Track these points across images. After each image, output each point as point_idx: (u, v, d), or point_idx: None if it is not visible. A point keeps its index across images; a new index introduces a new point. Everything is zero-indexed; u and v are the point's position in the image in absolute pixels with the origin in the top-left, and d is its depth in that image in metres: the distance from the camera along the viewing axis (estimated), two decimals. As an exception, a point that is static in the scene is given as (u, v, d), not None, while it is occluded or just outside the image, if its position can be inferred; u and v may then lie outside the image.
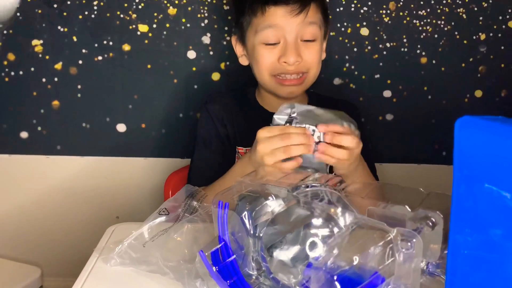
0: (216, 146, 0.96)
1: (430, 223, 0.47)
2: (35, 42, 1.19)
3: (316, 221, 0.51)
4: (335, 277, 0.41)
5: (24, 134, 1.24)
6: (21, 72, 1.20)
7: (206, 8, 1.18)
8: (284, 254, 0.51)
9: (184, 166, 1.16)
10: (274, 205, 0.54)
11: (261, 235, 0.53)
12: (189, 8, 1.18)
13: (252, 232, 0.53)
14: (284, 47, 0.89)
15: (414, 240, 0.42)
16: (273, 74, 0.91)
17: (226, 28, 1.19)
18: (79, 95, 1.22)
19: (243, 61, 0.98)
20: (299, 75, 0.91)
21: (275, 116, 0.74)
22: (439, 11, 1.20)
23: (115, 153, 1.25)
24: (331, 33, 1.20)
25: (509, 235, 0.38)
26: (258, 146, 0.70)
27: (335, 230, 0.50)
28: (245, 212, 0.54)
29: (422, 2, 1.19)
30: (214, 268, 0.53)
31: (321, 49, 0.94)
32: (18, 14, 1.17)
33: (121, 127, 1.24)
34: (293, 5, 0.87)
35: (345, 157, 0.69)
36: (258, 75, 0.94)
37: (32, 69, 1.20)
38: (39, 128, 1.23)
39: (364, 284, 0.42)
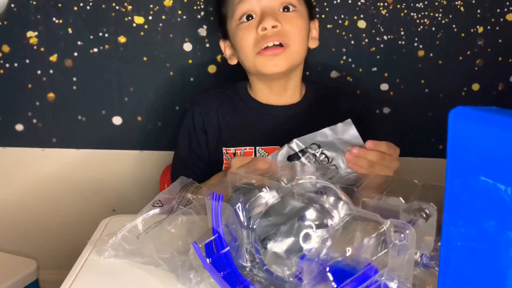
0: (194, 146, 0.96)
1: (424, 215, 0.47)
2: (30, 34, 1.18)
3: (310, 213, 0.51)
4: (328, 269, 0.41)
5: (19, 127, 1.23)
6: (16, 64, 1.19)
7: (202, 0, 1.17)
8: (278, 246, 0.51)
9: (180, 159, 1.16)
10: (268, 197, 0.54)
11: (254, 227, 0.53)
12: (185, 0, 1.17)
13: (245, 224, 0.53)
14: (260, 17, 0.87)
15: (408, 231, 0.42)
16: (256, 51, 0.88)
17: (222, 20, 1.18)
18: (74, 87, 1.21)
19: (232, 60, 0.98)
20: (279, 44, 0.87)
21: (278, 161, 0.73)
22: (436, 3, 1.19)
23: (111, 145, 1.24)
24: (328, 26, 1.19)
25: (503, 226, 0.38)
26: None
27: (329, 222, 0.50)
28: (239, 204, 0.53)
29: (419, -5, 1.18)
30: (207, 259, 0.53)
31: (304, 25, 0.91)
32: (12, 5, 1.16)
33: (116, 120, 1.23)
34: None
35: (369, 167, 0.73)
36: (244, 61, 0.92)
37: (27, 61, 1.19)
38: (34, 121, 1.23)
39: (357, 275, 0.42)
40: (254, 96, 0.98)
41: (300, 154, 0.74)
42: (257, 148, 0.92)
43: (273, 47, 0.87)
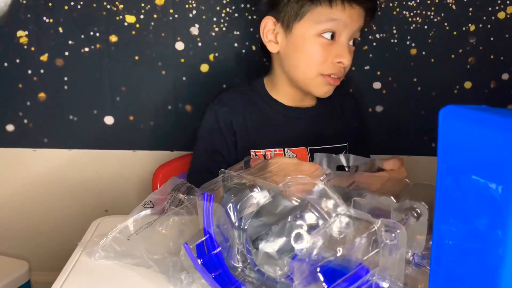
0: (219, 157, 0.92)
1: (415, 214, 0.46)
2: (20, 33, 1.17)
3: (302, 213, 0.51)
4: (318, 269, 0.40)
5: (10, 127, 1.22)
6: (5, 64, 1.18)
7: (194, -2, 1.17)
8: (270, 246, 0.51)
9: (172, 158, 1.16)
10: (259, 197, 0.53)
11: (246, 227, 0.52)
12: (177, -1, 1.16)
13: (237, 224, 0.53)
14: (340, 47, 0.86)
15: (398, 231, 0.42)
16: (320, 72, 0.87)
17: (214, 19, 1.18)
18: (65, 87, 1.20)
19: (273, 48, 0.91)
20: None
21: None
22: (428, 2, 1.19)
23: (103, 146, 1.23)
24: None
25: (493, 224, 0.38)
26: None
27: (321, 221, 0.50)
28: (230, 204, 0.53)
29: (411, -7, 1.18)
30: (199, 260, 0.52)
31: None
32: (2, 4, 1.15)
33: (108, 120, 1.22)
34: (366, 8, 0.86)
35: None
36: (300, 69, 0.89)
37: (17, 60, 1.18)
38: (25, 121, 1.22)
39: (348, 275, 0.42)
40: (275, 97, 0.95)
41: (346, 169, 0.75)
42: (286, 149, 0.92)
43: (336, 78, 0.89)
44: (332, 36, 0.86)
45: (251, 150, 0.92)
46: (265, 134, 0.93)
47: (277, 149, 0.92)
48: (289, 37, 0.88)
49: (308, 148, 0.94)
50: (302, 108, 0.96)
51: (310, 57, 0.87)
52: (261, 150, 0.92)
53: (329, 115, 0.98)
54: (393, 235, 0.42)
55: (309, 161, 0.92)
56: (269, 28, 0.90)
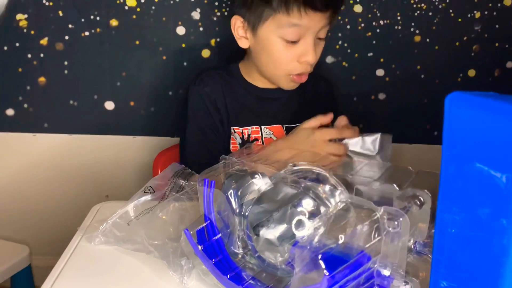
0: (210, 127, 0.94)
1: (418, 202, 0.46)
2: (19, 16, 1.15)
3: (303, 200, 0.50)
4: (320, 256, 0.40)
5: (10, 111, 1.21)
6: (5, 48, 1.17)
7: (195, -18, 1.15)
8: (271, 232, 0.51)
9: (173, 144, 1.15)
10: (260, 183, 0.53)
11: (247, 213, 0.52)
12: (178, -18, 1.15)
13: (238, 210, 0.53)
14: (304, 47, 0.88)
15: (401, 219, 0.42)
16: (288, 73, 0.91)
17: (216, 4, 1.16)
18: (66, 71, 1.19)
19: (243, 43, 0.95)
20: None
21: None
22: (434, -12, 1.17)
23: (103, 131, 1.23)
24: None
25: (497, 213, 0.38)
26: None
27: (322, 208, 0.49)
28: (231, 191, 0.53)
29: (417, -21, 1.16)
30: (199, 246, 0.52)
31: None
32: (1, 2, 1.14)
33: (109, 105, 1.22)
34: (327, 12, 0.87)
35: None
36: (268, 67, 0.93)
37: (17, 44, 1.17)
38: (25, 105, 1.21)
39: (350, 262, 0.42)
40: (250, 81, 0.99)
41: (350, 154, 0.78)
42: (262, 127, 0.96)
43: (304, 75, 0.92)
44: (295, 41, 0.88)
45: (231, 128, 0.96)
46: (241, 114, 0.96)
47: (254, 126, 0.96)
48: (256, 37, 0.91)
49: (284, 126, 0.98)
50: (274, 89, 0.99)
51: (275, 59, 0.90)
52: (239, 128, 0.96)
53: (302, 96, 1.01)
54: (396, 223, 0.41)
55: None
56: (239, 26, 0.93)
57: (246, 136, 0.95)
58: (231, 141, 0.96)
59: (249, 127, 0.96)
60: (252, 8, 0.90)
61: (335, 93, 1.11)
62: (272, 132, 0.96)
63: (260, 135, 0.96)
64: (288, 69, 0.90)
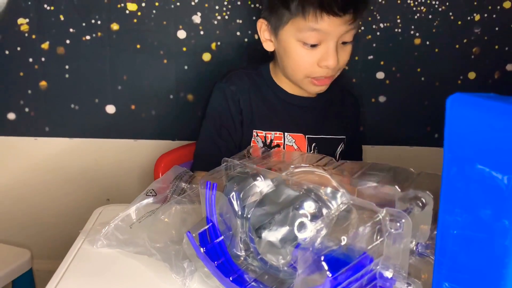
0: (226, 133, 0.93)
1: (420, 204, 0.46)
2: (21, 20, 1.16)
3: (305, 202, 0.50)
4: (322, 258, 0.40)
5: (11, 115, 1.22)
6: (7, 52, 1.17)
7: (196, -14, 1.15)
8: (273, 235, 0.51)
9: (174, 147, 1.15)
10: (262, 186, 0.53)
11: (249, 216, 0.52)
12: (179, -14, 1.15)
13: (240, 213, 0.53)
14: (325, 51, 0.86)
15: (403, 220, 0.42)
16: (307, 75, 0.89)
17: (217, 7, 1.17)
18: (67, 75, 1.19)
19: (269, 46, 0.94)
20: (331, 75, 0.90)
21: None
22: (433, -9, 1.18)
23: (104, 135, 1.23)
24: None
25: (499, 214, 0.38)
26: None
27: (324, 210, 0.49)
28: (233, 193, 0.53)
29: (416, -18, 1.17)
30: (201, 249, 0.52)
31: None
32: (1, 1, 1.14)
33: (110, 109, 1.22)
34: (346, 16, 0.84)
35: None
36: (289, 70, 0.91)
37: (19, 48, 1.17)
38: (27, 109, 1.21)
39: (352, 264, 0.42)
40: (278, 83, 0.97)
41: None
42: (286, 134, 0.95)
43: (325, 79, 0.89)
44: (315, 45, 0.86)
45: (253, 130, 0.94)
46: (267, 117, 0.95)
47: (278, 132, 0.94)
48: (278, 40, 0.90)
49: (307, 136, 0.96)
50: (302, 97, 0.97)
51: (295, 62, 0.89)
52: (263, 131, 0.94)
53: (329, 108, 1.00)
54: (398, 224, 0.42)
55: (306, 148, 0.95)
56: (264, 29, 0.92)
57: (268, 141, 0.93)
58: (251, 144, 0.94)
59: (273, 132, 0.94)
60: (274, 11, 0.88)
61: (361, 112, 1.10)
62: (294, 140, 0.95)
63: (282, 141, 0.94)
64: (307, 73, 0.88)
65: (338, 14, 0.82)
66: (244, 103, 0.93)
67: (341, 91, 1.04)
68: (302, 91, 0.96)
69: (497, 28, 1.20)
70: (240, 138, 0.94)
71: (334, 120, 1.00)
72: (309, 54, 0.86)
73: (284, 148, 0.95)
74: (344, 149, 0.99)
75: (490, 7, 1.19)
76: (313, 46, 0.85)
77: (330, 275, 0.40)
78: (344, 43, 0.87)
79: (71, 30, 1.16)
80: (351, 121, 1.04)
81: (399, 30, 1.20)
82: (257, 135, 0.93)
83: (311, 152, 0.96)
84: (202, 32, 1.18)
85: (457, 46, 1.21)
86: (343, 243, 0.42)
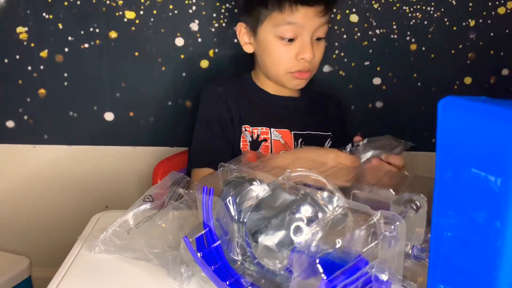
0: (219, 129, 0.97)
1: (415, 206, 0.46)
2: (19, 29, 1.17)
3: (302, 206, 0.51)
4: (317, 260, 0.40)
5: (10, 123, 1.22)
6: (6, 60, 1.18)
7: (193, -6, 1.16)
8: (269, 239, 0.51)
9: (172, 154, 1.16)
10: (258, 190, 0.53)
11: (245, 220, 0.52)
12: (177, -6, 1.16)
13: (236, 217, 0.53)
14: (301, 45, 0.92)
15: (398, 223, 0.42)
16: (288, 71, 0.95)
17: (214, 15, 1.18)
18: (65, 83, 1.20)
19: (248, 49, 1.00)
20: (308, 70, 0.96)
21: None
22: (428, -3, 1.19)
23: (103, 142, 1.24)
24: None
25: (492, 217, 0.38)
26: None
27: (320, 214, 0.50)
28: (230, 197, 0.53)
29: (411, -12, 1.18)
30: (198, 254, 0.52)
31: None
32: (1, 0, 1.15)
33: (108, 116, 1.22)
34: (320, 7, 0.91)
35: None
36: (270, 68, 0.98)
37: (17, 56, 1.18)
38: (26, 117, 1.22)
39: (347, 267, 0.42)
40: (262, 87, 1.03)
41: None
42: (272, 129, 0.99)
43: (304, 72, 0.96)
44: (292, 39, 0.92)
45: (242, 126, 0.98)
46: (253, 114, 1.00)
47: (264, 128, 0.99)
48: (257, 40, 0.97)
49: (292, 132, 1.00)
50: (286, 97, 1.03)
51: (275, 58, 0.95)
52: (250, 127, 0.98)
53: (312, 107, 1.05)
54: (392, 227, 0.42)
55: (293, 143, 0.99)
56: (243, 32, 0.99)
57: (255, 135, 0.98)
58: (241, 139, 0.98)
59: (259, 128, 0.98)
60: (251, 12, 0.95)
61: (346, 114, 1.14)
62: (281, 136, 0.99)
63: (269, 136, 0.99)
64: (287, 67, 0.94)
65: (311, 4, 0.89)
66: (232, 102, 0.98)
67: (323, 95, 1.10)
68: (285, 91, 1.02)
69: (492, 34, 1.21)
70: (233, 134, 0.98)
71: (318, 118, 1.04)
72: (287, 49, 0.93)
73: (271, 142, 0.98)
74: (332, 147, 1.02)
75: (484, 13, 1.20)
76: (290, 40, 0.92)
77: (325, 278, 0.40)
78: (318, 39, 0.94)
79: (69, 38, 1.17)
80: (336, 122, 1.07)
81: (395, 36, 1.21)
82: (245, 130, 0.98)
83: (298, 147, 0.99)
84: (199, 40, 1.19)
85: (452, 51, 1.22)
86: (338, 245, 0.42)
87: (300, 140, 1.00)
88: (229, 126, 0.97)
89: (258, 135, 0.98)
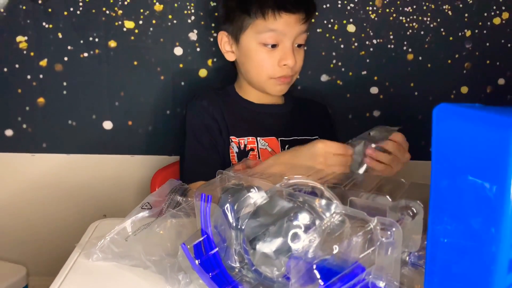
0: (208, 140, 0.98)
1: (411, 213, 0.47)
2: (19, 38, 1.18)
3: (300, 214, 0.51)
4: (315, 266, 0.41)
5: (9, 132, 1.22)
6: (5, 69, 1.19)
7: (192, 4, 1.18)
8: (267, 246, 0.51)
9: (171, 163, 1.16)
10: (256, 197, 0.54)
11: (243, 227, 0.53)
12: (176, 5, 1.17)
13: (234, 224, 0.53)
14: (283, 51, 0.95)
15: (394, 229, 0.42)
16: (270, 77, 0.97)
17: (213, 25, 1.19)
18: (64, 92, 1.21)
19: (230, 57, 1.02)
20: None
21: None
22: (425, 7, 1.20)
23: (102, 150, 1.24)
24: (318, 30, 1.20)
25: (487, 223, 0.38)
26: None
27: (317, 221, 0.50)
28: (227, 205, 0.53)
29: (408, -1, 1.20)
30: (196, 261, 0.53)
31: None
32: (1, 10, 1.16)
33: (107, 125, 1.23)
34: (301, 14, 0.94)
35: (389, 161, 0.82)
36: (253, 74, 0.99)
37: (17, 65, 1.19)
38: (24, 126, 1.22)
39: (344, 273, 0.42)
40: (245, 97, 1.05)
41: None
42: (258, 138, 1.00)
43: (284, 77, 0.98)
44: (274, 45, 0.95)
45: (230, 137, 0.99)
46: (239, 125, 1.01)
47: (250, 137, 1.00)
48: (239, 47, 0.99)
49: (279, 138, 1.01)
50: (270, 104, 1.05)
51: (257, 64, 0.97)
52: (236, 138, 0.99)
53: (297, 113, 1.07)
54: (389, 233, 0.42)
55: (280, 150, 1.00)
56: (225, 41, 1.01)
57: (242, 146, 0.99)
58: (229, 151, 0.99)
59: (245, 138, 0.99)
60: (233, 20, 0.97)
61: (332, 119, 1.14)
62: (267, 144, 1.00)
63: (256, 145, 0.99)
64: (270, 73, 0.96)
65: (292, 11, 0.92)
66: (217, 113, 1.00)
67: (306, 100, 1.12)
68: (269, 99, 1.04)
69: (488, 44, 1.22)
70: (223, 145, 0.99)
71: (303, 123, 1.06)
72: (269, 55, 0.95)
73: (258, 151, 0.99)
74: None
75: (480, 23, 1.21)
76: (273, 46, 0.94)
77: (323, 283, 0.40)
78: (299, 46, 0.97)
79: (69, 47, 1.18)
80: (322, 126, 1.08)
81: (392, 46, 1.22)
82: (232, 141, 0.99)
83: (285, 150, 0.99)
84: (198, 49, 1.20)
85: (449, 61, 1.23)
86: (335, 251, 0.43)
87: (287, 146, 1.01)
88: (218, 137, 0.98)
89: (245, 145, 0.99)
